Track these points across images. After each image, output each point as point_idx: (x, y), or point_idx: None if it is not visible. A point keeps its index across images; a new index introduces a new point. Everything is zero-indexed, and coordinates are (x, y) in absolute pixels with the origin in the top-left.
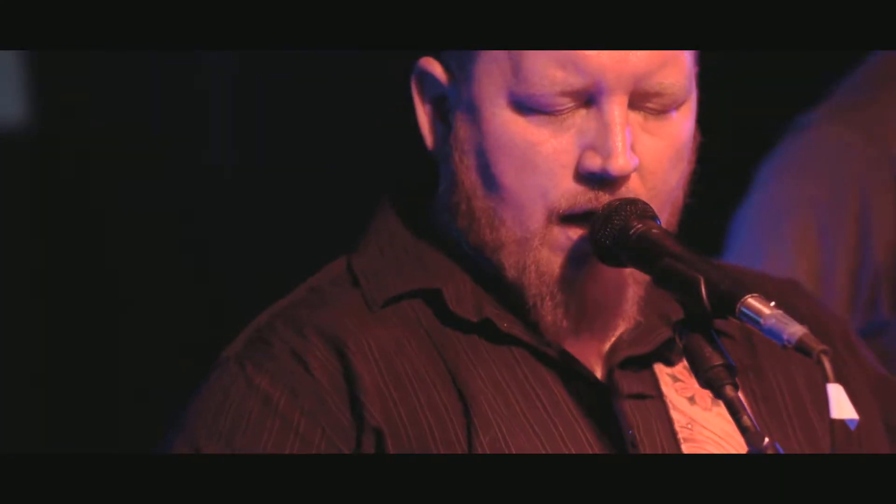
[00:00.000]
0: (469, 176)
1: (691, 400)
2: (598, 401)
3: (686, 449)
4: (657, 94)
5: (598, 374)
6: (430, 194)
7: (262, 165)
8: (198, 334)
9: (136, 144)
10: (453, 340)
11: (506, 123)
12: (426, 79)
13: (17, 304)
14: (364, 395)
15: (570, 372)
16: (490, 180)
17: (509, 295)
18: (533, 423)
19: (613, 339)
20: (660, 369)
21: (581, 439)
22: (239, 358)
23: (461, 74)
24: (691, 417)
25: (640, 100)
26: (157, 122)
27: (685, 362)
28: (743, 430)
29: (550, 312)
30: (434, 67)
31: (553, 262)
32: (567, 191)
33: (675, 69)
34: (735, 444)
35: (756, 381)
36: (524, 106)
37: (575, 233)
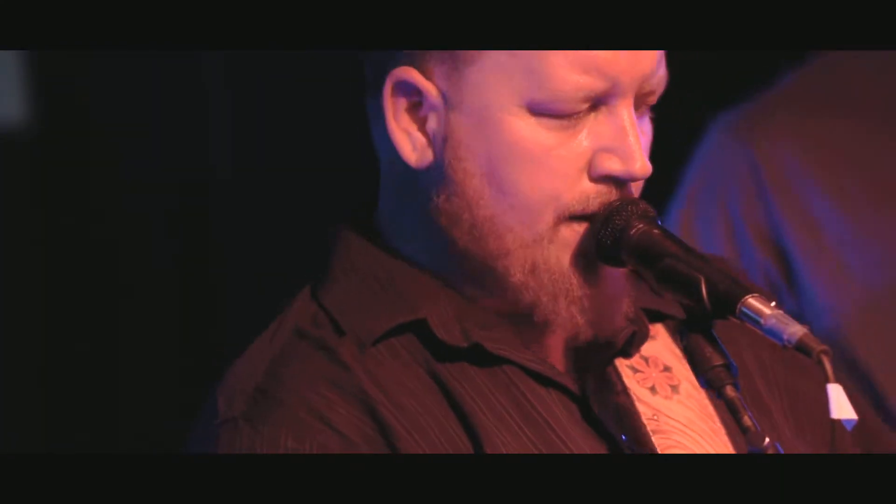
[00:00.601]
0: (471, 183)
1: (652, 390)
2: (587, 410)
3: (656, 440)
4: (651, 94)
5: (574, 374)
6: (371, 213)
7: (262, 165)
8: (198, 334)
9: (136, 144)
10: (446, 370)
11: (519, 129)
12: (402, 87)
13: (17, 304)
14: (399, 442)
15: (559, 385)
16: (498, 186)
17: (498, 300)
18: (538, 445)
19: (609, 335)
20: (619, 362)
21: (584, 451)
22: (249, 418)
23: (451, 80)
24: (655, 408)
25: (639, 100)
26: (157, 122)
27: (641, 351)
28: (744, 429)
29: (566, 309)
30: (412, 75)
31: (563, 259)
32: (581, 193)
33: (664, 68)
34: (699, 430)
35: None
36: (538, 111)
37: (580, 227)
